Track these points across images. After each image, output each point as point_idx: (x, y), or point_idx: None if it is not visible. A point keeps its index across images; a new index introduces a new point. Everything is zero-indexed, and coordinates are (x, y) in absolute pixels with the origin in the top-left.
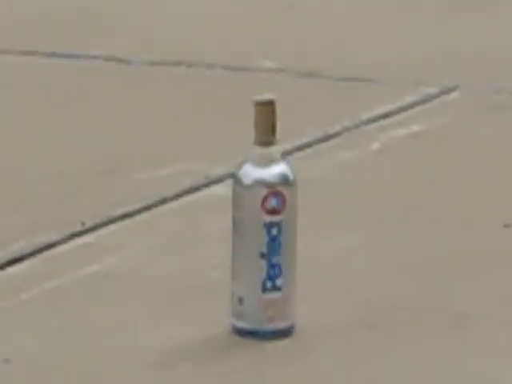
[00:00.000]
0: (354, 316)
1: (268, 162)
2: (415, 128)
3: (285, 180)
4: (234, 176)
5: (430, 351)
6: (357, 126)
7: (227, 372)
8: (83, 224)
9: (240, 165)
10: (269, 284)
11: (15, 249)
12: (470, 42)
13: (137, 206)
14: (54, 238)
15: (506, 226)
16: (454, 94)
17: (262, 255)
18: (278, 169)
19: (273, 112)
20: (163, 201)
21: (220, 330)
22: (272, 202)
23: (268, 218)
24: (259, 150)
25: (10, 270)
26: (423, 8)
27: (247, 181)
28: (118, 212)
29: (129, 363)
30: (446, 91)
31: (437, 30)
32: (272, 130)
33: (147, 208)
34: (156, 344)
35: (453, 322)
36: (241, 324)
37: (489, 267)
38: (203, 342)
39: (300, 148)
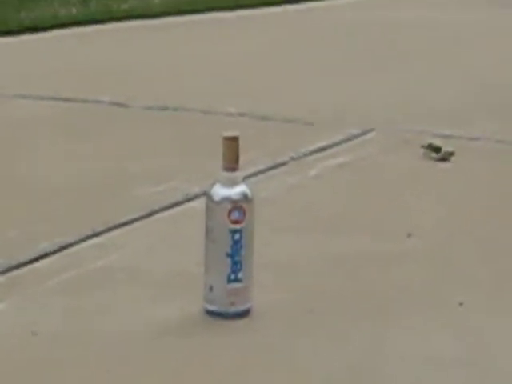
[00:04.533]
0: (296, 301)
1: (232, 183)
2: (343, 159)
3: (245, 197)
4: (206, 194)
5: (355, 326)
6: (299, 157)
7: (201, 343)
8: (93, 229)
9: (211, 185)
10: (232, 276)
11: (41, 248)
12: (383, 95)
13: (134, 215)
14: (70, 239)
15: (409, 235)
16: (371, 134)
17: (228, 254)
18: (240, 189)
19: (237, 146)
20: (154, 212)
21: (196, 311)
22: (235, 214)
23: (232, 226)
24: (226, 174)
25: (38, 264)
26: (352, 68)
27: (217, 197)
28: (120, 220)
29: (126, 335)
30: (365, 132)
31: (358, 84)
32: (236, 159)
33: (142, 217)
34: (148, 320)
35: (376, 305)
36: (211, 307)
37: (397, 264)
38: (183, 320)
39: (256, 173)
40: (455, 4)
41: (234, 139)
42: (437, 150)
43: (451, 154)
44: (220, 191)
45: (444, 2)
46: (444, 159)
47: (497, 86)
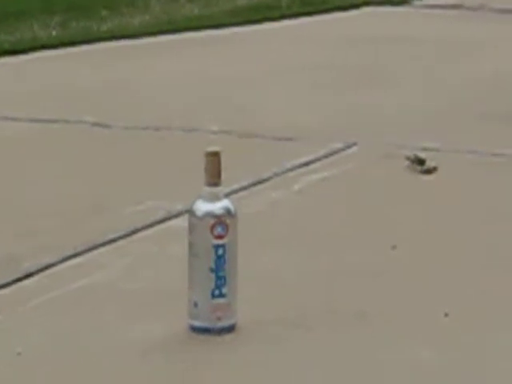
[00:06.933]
0: (281, 315)
1: (215, 198)
2: (326, 174)
3: (228, 212)
4: (189, 209)
5: (340, 340)
6: (282, 173)
7: (187, 358)
8: (75, 248)
9: (194, 200)
10: (216, 292)
11: (24, 268)
12: (363, 110)
13: (116, 234)
14: (53, 259)
15: (393, 247)
16: (354, 148)
17: (211, 270)
18: (222, 204)
19: (219, 160)
20: (137, 230)
21: (180, 327)
22: (218, 229)
23: (215, 241)
24: (208, 189)
25: (21, 284)
26: (333, 83)
27: (199, 213)
28: (102, 239)
29: (111, 354)
30: (348, 146)
31: (341, 101)
32: (218, 174)
33: (124, 236)
34: (131, 338)
35: (357, 317)
36: (196, 323)
37: (382, 276)
38: (168, 336)
39: (240, 189)
40: (446, 19)
41: (216, 154)
42: (422, 162)
43: (435, 168)
44: (203, 206)
45: (433, 18)
46: (428, 171)
47: (480, 98)
